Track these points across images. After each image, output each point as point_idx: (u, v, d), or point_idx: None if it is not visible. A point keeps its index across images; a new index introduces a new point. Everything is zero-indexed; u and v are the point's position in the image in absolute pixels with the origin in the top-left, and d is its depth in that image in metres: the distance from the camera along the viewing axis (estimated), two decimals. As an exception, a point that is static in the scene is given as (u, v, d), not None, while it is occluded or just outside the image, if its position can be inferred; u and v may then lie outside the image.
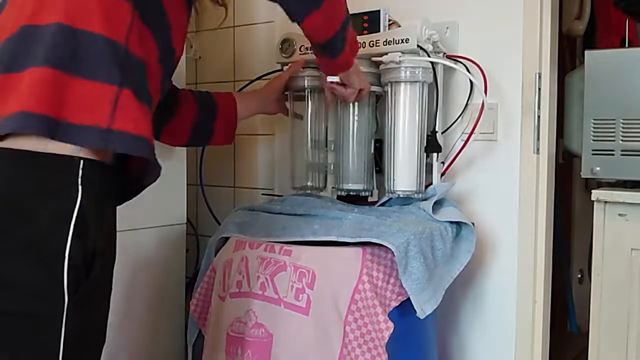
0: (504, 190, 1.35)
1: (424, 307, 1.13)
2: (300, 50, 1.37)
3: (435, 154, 1.32)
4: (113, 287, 0.90)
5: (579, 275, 2.12)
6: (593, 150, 1.32)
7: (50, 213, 0.77)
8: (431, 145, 1.30)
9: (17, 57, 0.80)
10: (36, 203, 0.77)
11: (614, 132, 1.30)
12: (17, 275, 0.76)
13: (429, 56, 1.26)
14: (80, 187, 0.78)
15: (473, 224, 1.27)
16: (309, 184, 1.43)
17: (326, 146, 1.45)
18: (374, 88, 1.33)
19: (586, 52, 1.35)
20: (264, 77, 1.54)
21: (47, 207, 0.77)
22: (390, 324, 1.09)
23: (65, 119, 0.78)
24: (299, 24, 0.99)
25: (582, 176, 1.36)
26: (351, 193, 1.37)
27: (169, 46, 0.95)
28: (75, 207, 0.77)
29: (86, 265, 0.80)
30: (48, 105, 0.77)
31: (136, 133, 0.81)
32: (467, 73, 1.32)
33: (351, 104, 1.34)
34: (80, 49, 0.80)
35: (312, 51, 1.12)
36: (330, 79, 1.19)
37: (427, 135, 1.30)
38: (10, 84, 0.79)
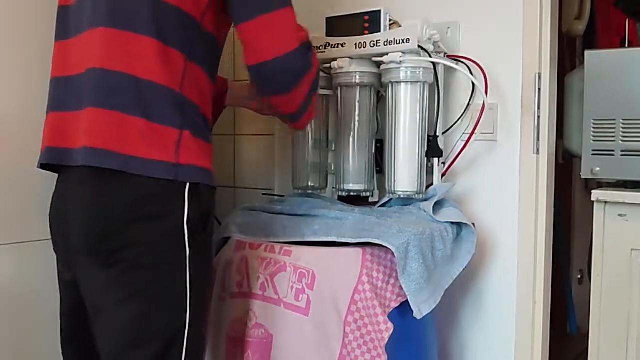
0: (504, 190, 1.35)
1: (421, 308, 1.13)
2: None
3: (436, 156, 1.32)
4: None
5: (579, 276, 2.12)
6: (593, 150, 1.32)
7: (171, 190, 0.97)
8: (432, 149, 1.30)
9: (84, 96, 0.98)
10: (159, 185, 0.96)
11: (614, 132, 1.30)
12: (143, 235, 0.96)
13: (430, 56, 1.26)
14: None
15: (474, 224, 1.27)
16: (309, 184, 1.43)
17: (327, 146, 1.45)
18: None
19: (586, 52, 1.35)
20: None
21: (170, 186, 0.96)
22: (390, 325, 1.09)
23: (135, 154, 0.95)
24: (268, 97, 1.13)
25: (582, 176, 1.36)
26: (352, 193, 1.37)
27: (218, 63, 1.11)
28: (186, 183, 0.97)
29: (202, 222, 1.00)
30: (120, 143, 0.95)
31: (200, 166, 1.00)
32: (468, 74, 1.31)
33: (353, 104, 1.35)
34: (145, 96, 0.96)
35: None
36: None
37: (428, 138, 1.30)
38: (80, 120, 0.98)
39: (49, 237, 1.12)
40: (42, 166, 1.08)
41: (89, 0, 1.01)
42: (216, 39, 1.06)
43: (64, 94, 1.03)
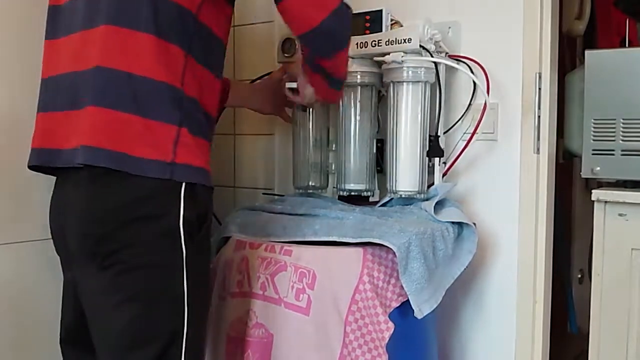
0: (505, 190, 1.35)
1: (421, 307, 1.13)
2: (301, 50, 1.37)
3: (437, 156, 1.32)
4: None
5: (579, 275, 2.12)
6: (593, 150, 1.33)
7: (166, 190, 0.96)
8: (433, 149, 1.30)
9: (78, 95, 0.97)
10: (154, 185, 0.95)
11: (614, 132, 1.30)
12: (138, 236, 0.95)
13: (431, 56, 1.25)
14: None
15: (474, 224, 1.27)
16: (310, 183, 1.43)
17: (328, 146, 1.45)
18: None
19: (586, 52, 1.35)
20: (264, 77, 1.54)
21: (165, 186, 0.95)
22: (391, 325, 1.09)
23: (130, 153, 0.93)
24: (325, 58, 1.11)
25: (583, 176, 1.36)
26: (352, 193, 1.37)
27: (222, 60, 1.10)
28: (182, 182, 0.97)
29: (199, 223, 1.00)
30: (115, 141, 0.93)
31: (196, 165, 0.98)
32: (470, 74, 1.31)
33: (353, 104, 1.35)
34: (141, 92, 0.95)
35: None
36: (288, 85, 1.28)
37: (430, 138, 1.30)
38: (74, 120, 0.97)
39: (48, 236, 1.11)
40: (33, 168, 1.07)
41: (82, 0, 1.00)
42: (215, 34, 1.05)
43: (54, 93, 1.03)
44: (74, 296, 1.05)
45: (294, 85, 1.27)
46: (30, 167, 1.07)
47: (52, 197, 1.08)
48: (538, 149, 1.32)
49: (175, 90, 0.97)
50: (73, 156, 0.96)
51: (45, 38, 1.08)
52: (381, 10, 1.28)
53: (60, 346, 1.11)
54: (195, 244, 1.00)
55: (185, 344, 0.98)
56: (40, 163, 1.05)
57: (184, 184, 0.97)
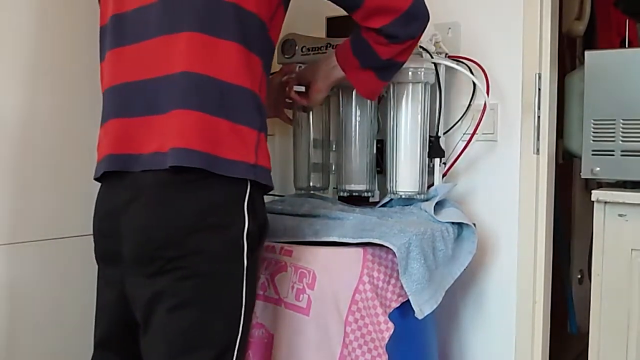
0: (504, 190, 1.35)
1: (422, 308, 1.13)
2: (301, 51, 1.37)
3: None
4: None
5: (579, 276, 2.12)
6: (593, 150, 1.33)
7: (230, 200, 0.98)
8: (434, 150, 1.30)
9: (160, 100, 0.98)
10: (232, 190, 0.98)
11: (614, 132, 1.30)
12: (207, 244, 0.95)
13: (431, 57, 1.26)
14: (249, 181, 1.00)
15: (474, 224, 1.27)
16: (310, 184, 1.43)
17: (328, 146, 1.45)
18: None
19: (586, 52, 1.35)
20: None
21: (228, 196, 0.98)
22: (391, 325, 1.09)
23: (218, 154, 0.96)
24: (395, 43, 1.09)
25: (582, 176, 1.36)
26: (353, 194, 1.37)
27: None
28: (246, 194, 0.99)
29: (259, 235, 1.02)
30: (205, 143, 0.95)
31: (269, 167, 1.04)
32: (470, 74, 1.32)
33: (353, 104, 1.35)
34: (229, 98, 0.98)
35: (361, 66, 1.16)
36: (296, 88, 1.27)
37: (430, 139, 1.30)
38: (156, 124, 0.98)
39: (48, 237, 1.11)
40: (102, 175, 1.04)
41: (157, 7, 0.99)
42: (273, 46, 1.08)
43: (127, 100, 1.02)
44: (119, 304, 1.02)
45: (302, 88, 1.26)
46: (99, 177, 1.04)
47: (101, 199, 1.05)
48: (538, 150, 1.32)
49: (256, 96, 1.01)
50: (157, 159, 0.95)
51: (110, 47, 1.05)
52: (381, 11, 1.28)
53: (94, 354, 1.07)
54: (254, 256, 1.01)
55: (236, 354, 0.98)
56: (115, 169, 1.02)
57: (247, 197, 0.98)
